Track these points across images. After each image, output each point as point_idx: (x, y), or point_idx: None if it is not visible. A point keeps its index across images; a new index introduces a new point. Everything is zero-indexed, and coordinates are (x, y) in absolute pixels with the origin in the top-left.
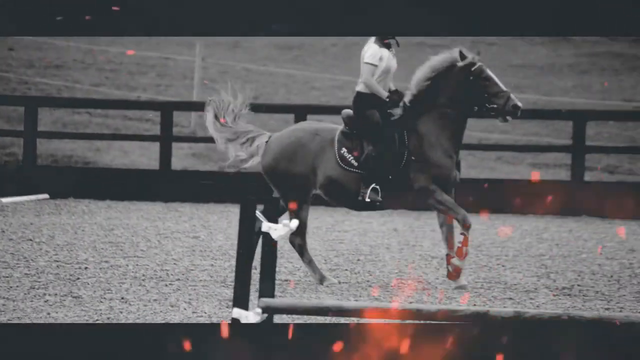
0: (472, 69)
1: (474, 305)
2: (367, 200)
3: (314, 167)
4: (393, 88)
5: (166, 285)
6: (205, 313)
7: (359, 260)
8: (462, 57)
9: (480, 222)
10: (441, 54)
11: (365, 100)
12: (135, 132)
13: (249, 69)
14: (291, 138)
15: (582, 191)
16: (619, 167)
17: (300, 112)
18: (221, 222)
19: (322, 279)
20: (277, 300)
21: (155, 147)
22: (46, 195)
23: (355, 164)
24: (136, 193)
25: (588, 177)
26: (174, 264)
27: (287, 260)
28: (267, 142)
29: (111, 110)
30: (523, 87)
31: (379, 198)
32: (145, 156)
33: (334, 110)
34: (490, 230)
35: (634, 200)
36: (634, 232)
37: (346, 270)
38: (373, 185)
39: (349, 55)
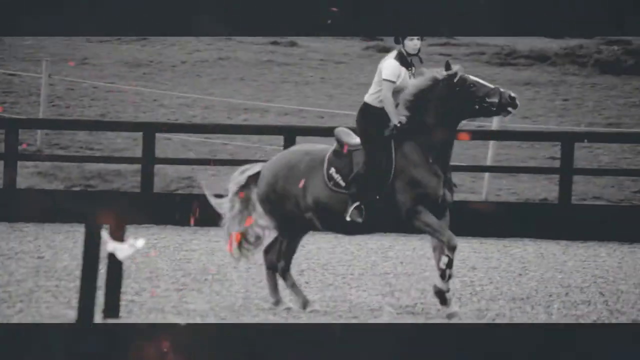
0: (455, 80)
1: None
2: (348, 219)
3: (303, 189)
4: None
5: (8, 307)
6: None
7: (206, 279)
8: (448, 67)
9: (327, 241)
10: (425, 72)
11: (369, 113)
12: None
13: (96, 86)
14: (282, 162)
15: None
16: (461, 186)
17: (149, 130)
18: (67, 242)
19: (305, 304)
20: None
21: (0, 165)
22: None
23: (343, 184)
24: None
25: None
26: (17, 285)
27: (134, 281)
28: (259, 171)
29: None
30: None
31: (359, 219)
32: None
33: (183, 128)
34: (336, 249)
35: (475, 218)
36: (475, 250)
37: (193, 290)
38: (357, 204)
39: (197, 72)
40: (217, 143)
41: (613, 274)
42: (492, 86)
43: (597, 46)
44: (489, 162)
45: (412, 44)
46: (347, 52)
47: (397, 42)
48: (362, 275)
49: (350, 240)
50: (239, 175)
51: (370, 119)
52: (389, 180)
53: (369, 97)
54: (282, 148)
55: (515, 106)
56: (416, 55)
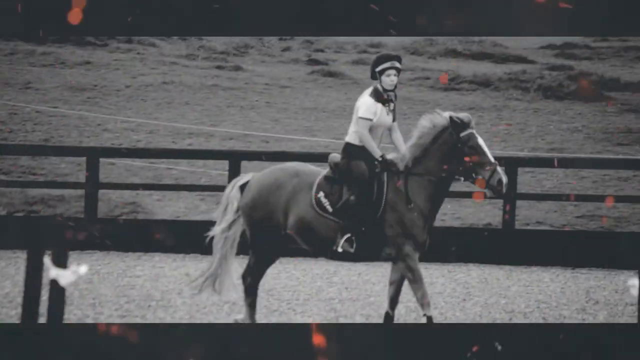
0: (461, 134)
1: None
2: (340, 250)
3: (286, 208)
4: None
5: None
6: None
7: (150, 306)
8: (454, 122)
9: (272, 267)
10: (434, 116)
11: (353, 152)
12: None
13: (39, 111)
14: (270, 178)
15: None
16: None
17: (93, 155)
18: (9, 269)
19: None
20: None
21: None
22: None
23: (330, 210)
24: None
25: None
26: None
27: (77, 307)
28: (248, 181)
29: None
30: (315, 130)
31: (351, 250)
32: None
33: (128, 153)
34: (281, 275)
35: None
36: None
37: (136, 316)
38: (348, 235)
39: (141, 96)
40: (162, 168)
41: (556, 299)
42: (491, 159)
43: (540, 71)
44: None
45: (389, 79)
46: (292, 77)
47: (373, 77)
48: (307, 301)
49: (295, 266)
50: (232, 191)
51: (354, 157)
52: (378, 214)
53: (350, 137)
54: (227, 173)
55: (499, 193)
56: (392, 91)
